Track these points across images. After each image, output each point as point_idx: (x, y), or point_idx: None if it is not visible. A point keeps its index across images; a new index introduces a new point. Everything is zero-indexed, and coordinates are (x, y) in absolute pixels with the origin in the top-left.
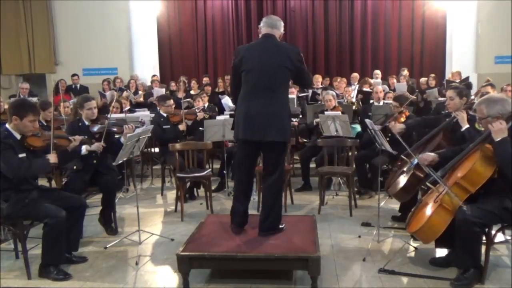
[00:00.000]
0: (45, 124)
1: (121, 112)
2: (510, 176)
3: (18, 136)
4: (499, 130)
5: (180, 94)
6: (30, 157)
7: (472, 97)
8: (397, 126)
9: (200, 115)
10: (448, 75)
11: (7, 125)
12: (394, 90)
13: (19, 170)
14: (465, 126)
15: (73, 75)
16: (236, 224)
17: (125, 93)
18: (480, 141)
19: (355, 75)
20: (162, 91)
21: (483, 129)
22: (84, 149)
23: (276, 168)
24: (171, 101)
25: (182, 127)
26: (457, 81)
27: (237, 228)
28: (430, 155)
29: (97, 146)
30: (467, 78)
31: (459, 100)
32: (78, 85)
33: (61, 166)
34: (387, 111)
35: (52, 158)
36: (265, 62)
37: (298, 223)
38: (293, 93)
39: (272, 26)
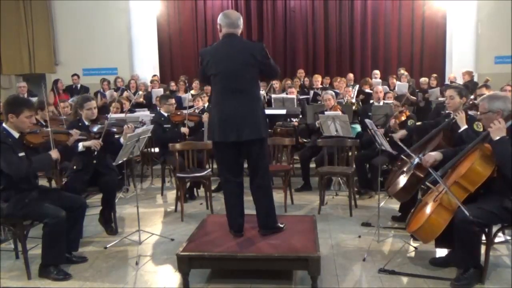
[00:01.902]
0: (44, 124)
1: (122, 112)
2: (509, 175)
3: (17, 135)
4: (497, 129)
5: (180, 94)
6: (29, 155)
7: (472, 96)
8: (398, 134)
9: (206, 117)
10: (456, 74)
11: (4, 125)
12: (394, 90)
13: (20, 167)
14: (464, 126)
15: (73, 75)
16: (235, 231)
17: (125, 93)
18: (479, 140)
19: (351, 76)
20: (161, 91)
21: (481, 130)
22: (81, 145)
23: (260, 166)
24: (173, 100)
25: (184, 130)
26: (466, 81)
27: (237, 233)
28: (432, 156)
29: (94, 142)
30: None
31: (459, 99)
32: (79, 85)
33: (62, 162)
34: (387, 111)
35: (54, 154)
36: (232, 63)
37: (298, 223)
38: (292, 93)
39: (235, 26)
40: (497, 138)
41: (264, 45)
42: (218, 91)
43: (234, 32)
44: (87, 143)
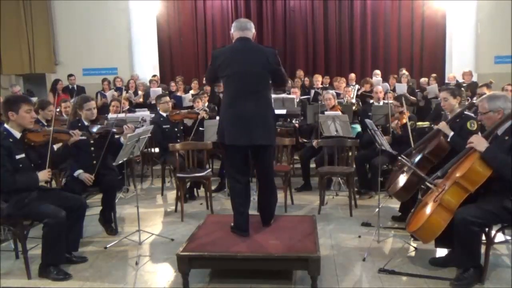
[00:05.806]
0: (45, 124)
1: (121, 111)
2: (510, 178)
3: (18, 135)
4: (478, 143)
5: (179, 94)
6: (30, 154)
7: (475, 98)
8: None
9: (202, 113)
10: (456, 74)
11: (5, 125)
12: (394, 90)
13: (5, 180)
14: (450, 134)
15: (70, 75)
16: (242, 230)
17: (125, 94)
18: None
19: (353, 75)
20: (159, 90)
21: (475, 128)
22: (78, 173)
23: (269, 165)
24: (167, 98)
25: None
26: (467, 81)
27: (244, 233)
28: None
29: (86, 177)
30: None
31: (453, 99)
32: (75, 86)
33: (62, 162)
34: (387, 111)
35: (42, 176)
36: (247, 66)
37: (298, 223)
38: (295, 93)
39: (243, 28)
40: (484, 149)
41: (277, 51)
42: (232, 93)
43: (245, 36)
44: (82, 176)
